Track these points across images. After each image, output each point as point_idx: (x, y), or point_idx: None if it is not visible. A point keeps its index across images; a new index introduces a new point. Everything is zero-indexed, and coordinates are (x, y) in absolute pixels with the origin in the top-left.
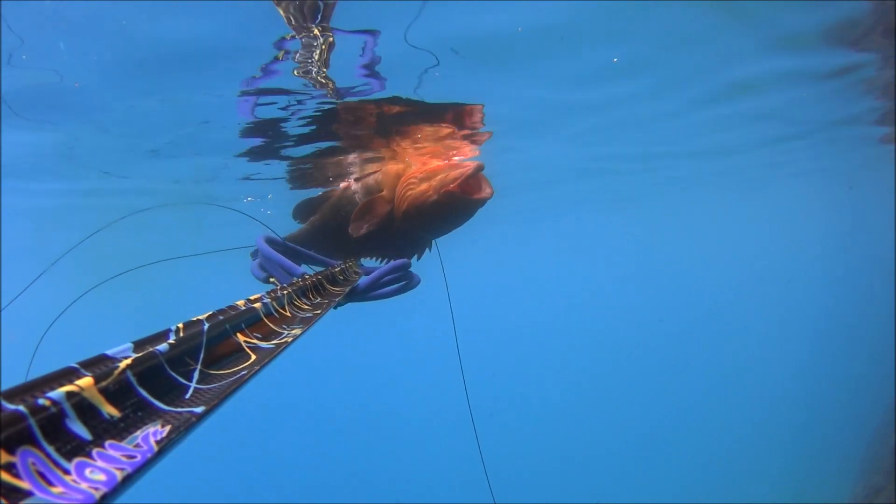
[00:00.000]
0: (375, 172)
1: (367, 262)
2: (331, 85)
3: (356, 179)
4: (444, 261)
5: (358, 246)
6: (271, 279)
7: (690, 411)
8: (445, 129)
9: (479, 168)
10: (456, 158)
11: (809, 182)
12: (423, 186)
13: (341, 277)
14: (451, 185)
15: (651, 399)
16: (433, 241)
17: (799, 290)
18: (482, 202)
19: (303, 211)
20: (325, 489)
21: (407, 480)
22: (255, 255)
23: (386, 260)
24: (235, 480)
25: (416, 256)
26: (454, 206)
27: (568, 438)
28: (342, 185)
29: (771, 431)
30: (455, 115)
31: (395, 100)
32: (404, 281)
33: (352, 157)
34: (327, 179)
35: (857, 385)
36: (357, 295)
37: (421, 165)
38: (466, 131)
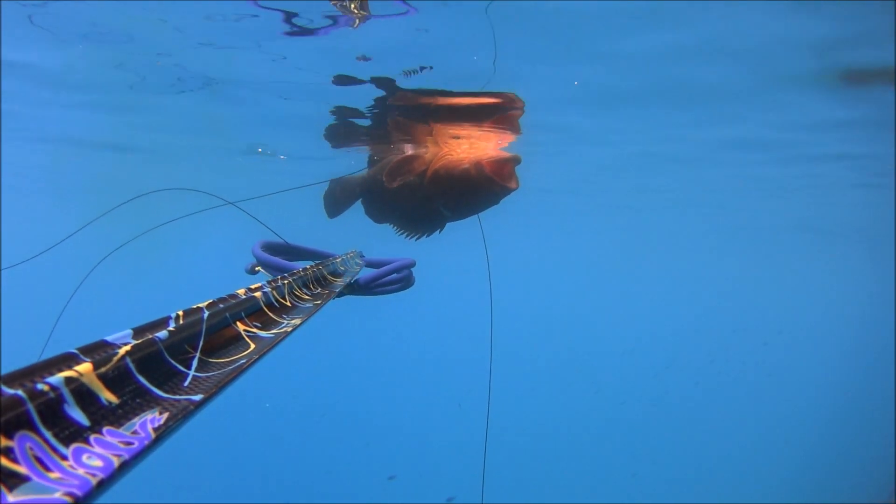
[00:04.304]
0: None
1: (370, 254)
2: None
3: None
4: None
5: (385, 204)
6: (257, 268)
7: (708, 425)
8: (483, 125)
9: (517, 159)
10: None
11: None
12: (462, 156)
13: (342, 268)
14: (485, 161)
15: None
16: (445, 227)
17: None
18: (506, 191)
19: (370, 162)
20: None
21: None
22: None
23: (402, 231)
24: (227, 475)
25: (425, 234)
26: (480, 182)
27: (574, 441)
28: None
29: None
30: (494, 106)
31: (437, 92)
32: (405, 280)
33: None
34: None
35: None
36: (358, 289)
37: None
38: (504, 122)
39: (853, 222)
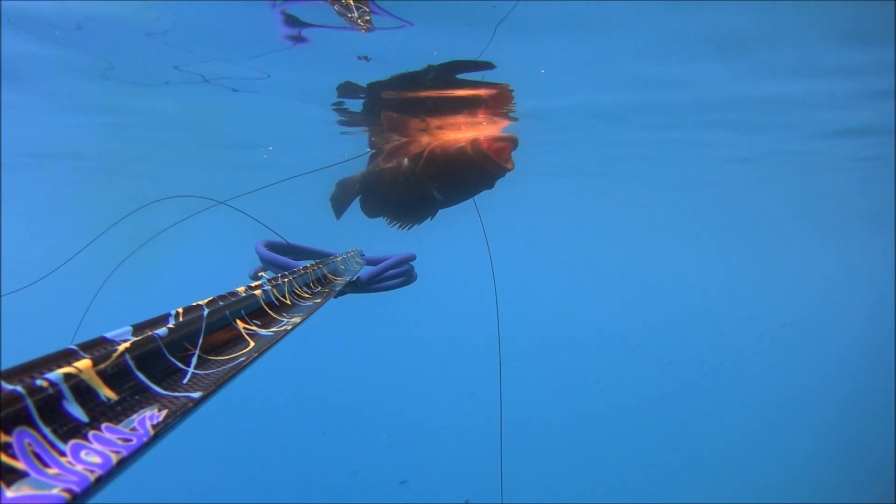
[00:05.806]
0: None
1: (371, 253)
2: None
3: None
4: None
5: (379, 196)
6: (260, 274)
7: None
8: (477, 111)
9: (515, 140)
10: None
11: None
12: (460, 136)
13: (342, 267)
14: (483, 139)
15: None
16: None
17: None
18: (502, 171)
19: (369, 160)
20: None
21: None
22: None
23: (393, 222)
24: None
25: (416, 223)
26: (476, 161)
27: (582, 437)
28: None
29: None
30: (487, 95)
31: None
32: (406, 276)
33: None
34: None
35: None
36: (359, 286)
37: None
38: (498, 111)
39: (856, 206)
